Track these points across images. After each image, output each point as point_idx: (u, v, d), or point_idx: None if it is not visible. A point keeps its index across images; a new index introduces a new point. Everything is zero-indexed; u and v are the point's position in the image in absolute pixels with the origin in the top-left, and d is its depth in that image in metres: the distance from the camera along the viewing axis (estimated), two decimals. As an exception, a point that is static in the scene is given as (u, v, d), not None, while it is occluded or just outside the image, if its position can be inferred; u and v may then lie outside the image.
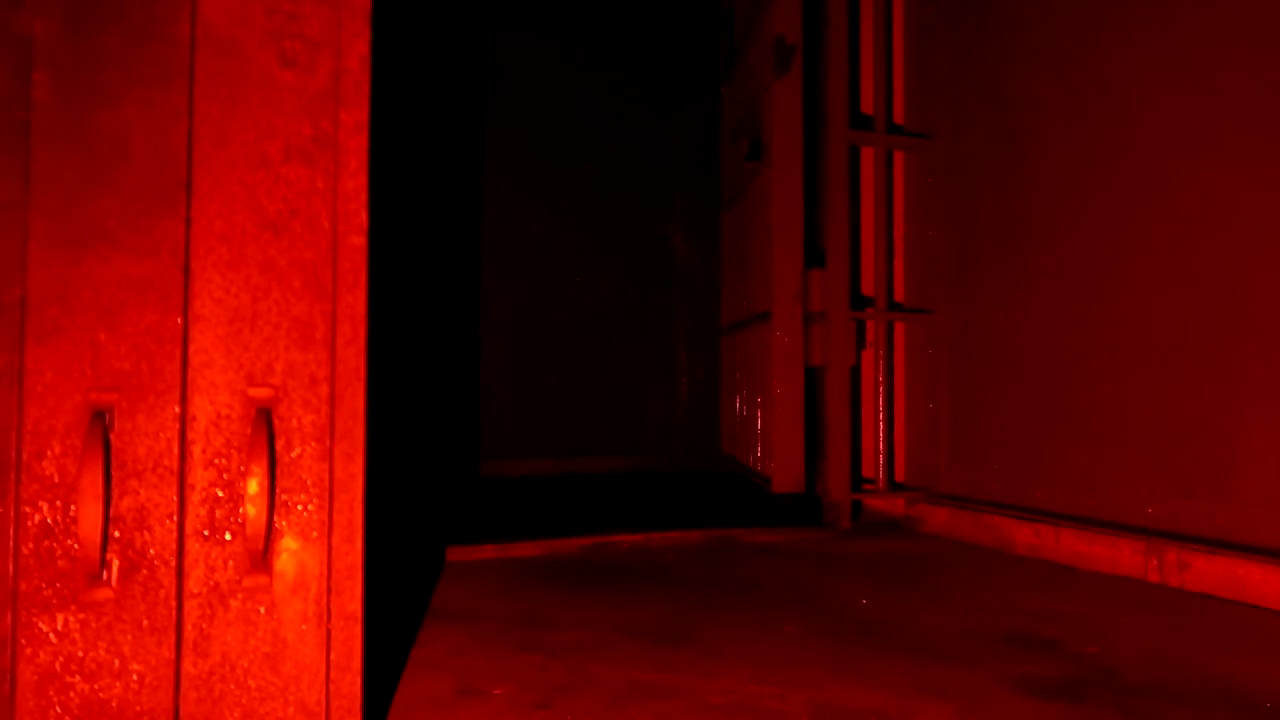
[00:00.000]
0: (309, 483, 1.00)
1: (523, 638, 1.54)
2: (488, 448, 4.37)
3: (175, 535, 0.96)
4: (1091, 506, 2.25)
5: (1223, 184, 1.94)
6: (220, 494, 0.97)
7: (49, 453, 0.92)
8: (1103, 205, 2.24)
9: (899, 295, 3.00)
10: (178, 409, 0.96)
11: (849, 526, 2.72)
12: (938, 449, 2.84)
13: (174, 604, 0.95)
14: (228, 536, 0.97)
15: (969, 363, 2.73)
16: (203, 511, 0.97)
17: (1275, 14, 1.83)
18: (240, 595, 0.97)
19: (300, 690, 0.99)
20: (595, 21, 4.67)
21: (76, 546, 0.92)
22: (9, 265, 0.92)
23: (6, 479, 0.91)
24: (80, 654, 0.92)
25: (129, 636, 0.93)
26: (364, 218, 1.04)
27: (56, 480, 0.92)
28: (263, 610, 0.98)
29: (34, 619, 0.91)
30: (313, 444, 1.00)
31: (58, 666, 0.91)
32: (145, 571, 0.94)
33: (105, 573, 0.93)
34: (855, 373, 2.87)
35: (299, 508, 0.99)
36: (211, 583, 0.97)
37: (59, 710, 0.91)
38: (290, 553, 0.99)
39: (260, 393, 0.99)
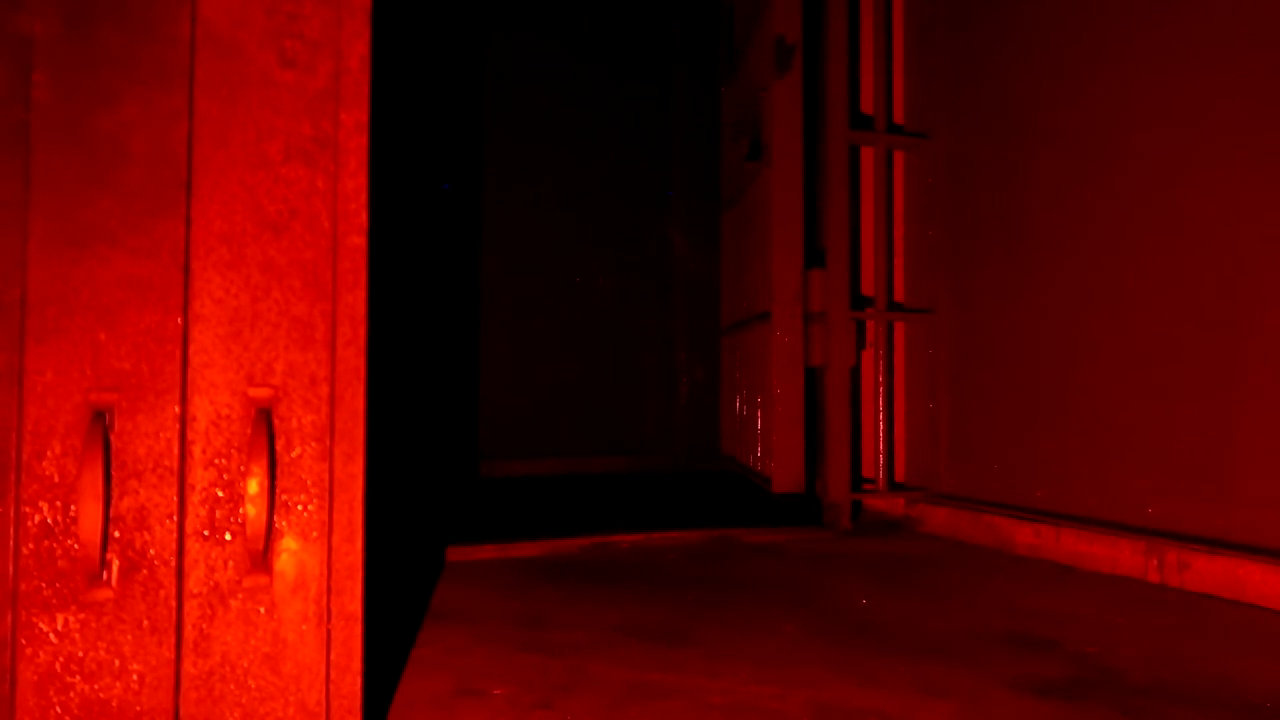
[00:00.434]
0: (309, 483, 1.00)
1: (523, 638, 1.54)
2: (488, 448, 4.37)
3: (175, 535, 0.96)
4: (1091, 506, 2.25)
5: (1223, 184, 1.94)
6: (220, 494, 0.97)
7: (49, 453, 0.92)
8: (1102, 205, 2.24)
9: (899, 295, 3.00)
10: (178, 409, 0.96)
11: (849, 526, 2.72)
12: (938, 449, 2.84)
13: (174, 604, 0.95)
14: (228, 536, 0.97)
15: (969, 363, 2.73)
16: (203, 511, 0.97)
17: (1275, 15, 1.83)
18: (240, 595, 0.97)
19: (300, 690, 0.99)
20: (595, 21, 4.67)
21: (76, 546, 0.92)
22: (9, 265, 0.92)
23: (6, 479, 0.91)
24: (80, 654, 0.92)
25: (129, 636, 0.93)
26: (364, 218, 1.04)
27: (56, 480, 0.92)
28: (263, 610, 0.98)
29: (34, 619, 0.91)
30: (313, 444, 1.00)
31: (58, 666, 0.91)
32: (145, 571, 0.94)
33: (105, 573, 0.93)
34: (855, 373, 2.86)
35: (299, 508, 0.99)
36: (211, 583, 0.97)
37: (59, 710, 0.91)
38: (290, 553, 0.99)
39: (260, 393, 0.99)
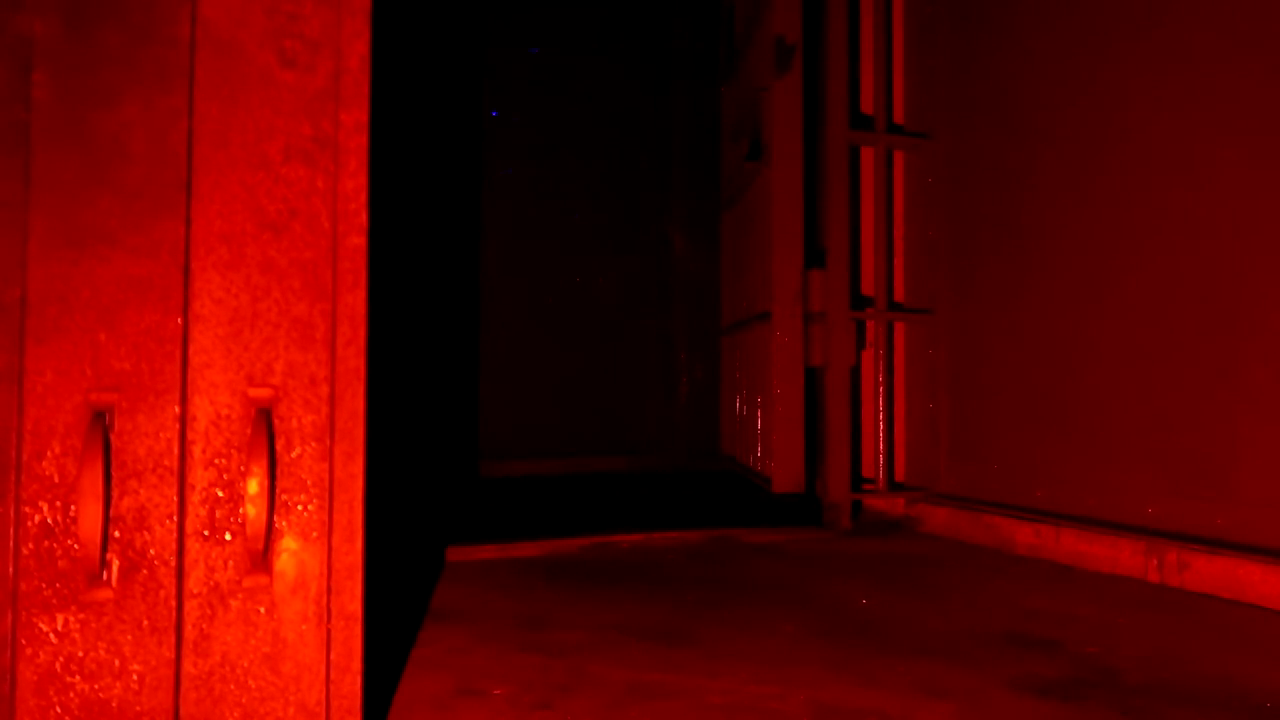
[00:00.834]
0: (309, 483, 1.00)
1: (523, 638, 1.54)
2: (488, 448, 4.37)
3: (175, 535, 0.96)
4: (1091, 506, 2.25)
5: (1223, 183, 1.94)
6: (220, 494, 0.97)
7: (49, 453, 0.92)
8: (1102, 204, 2.24)
9: (899, 295, 3.00)
10: (178, 409, 0.96)
11: (849, 526, 2.72)
12: (938, 449, 2.84)
13: (174, 604, 0.95)
14: (228, 536, 0.97)
15: (969, 363, 2.73)
16: (203, 511, 0.97)
17: (1274, 16, 1.83)
18: (240, 595, 0.97)
19: (300, 690, 0.99)
20: (595, 21, 4.67)
21: (76, 546, 0.92)
22: (9, 265, 0.92)
23: (6, 479, 0.91)
24: (80, 654, 0.92)
25: (129, 636, 0.93)
26: (364, 218, 1.04)
27: (56, 480, 0.92)
28: (263, 610, 0.98)
29: (34, 619, 0.91)
30: (313, 444, 1.00)
31: (58, 666, 0.91)
32: (145, 571, 0.94)
33: (105, 573, 0.93)
34: (855, 373, 2.86)
35: (299, 508, 0.99)
36: (211, 583, 0.97)
37: (59, 710, 0.91)
38: (290, 553, 0.99)
39: (260, 393, 0.99)
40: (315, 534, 1.00)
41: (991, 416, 2.63)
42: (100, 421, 0.93)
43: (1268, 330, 1.83)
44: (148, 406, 0.95)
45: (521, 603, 1.80)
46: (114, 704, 0.93)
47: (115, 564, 0.93)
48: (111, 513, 0.93)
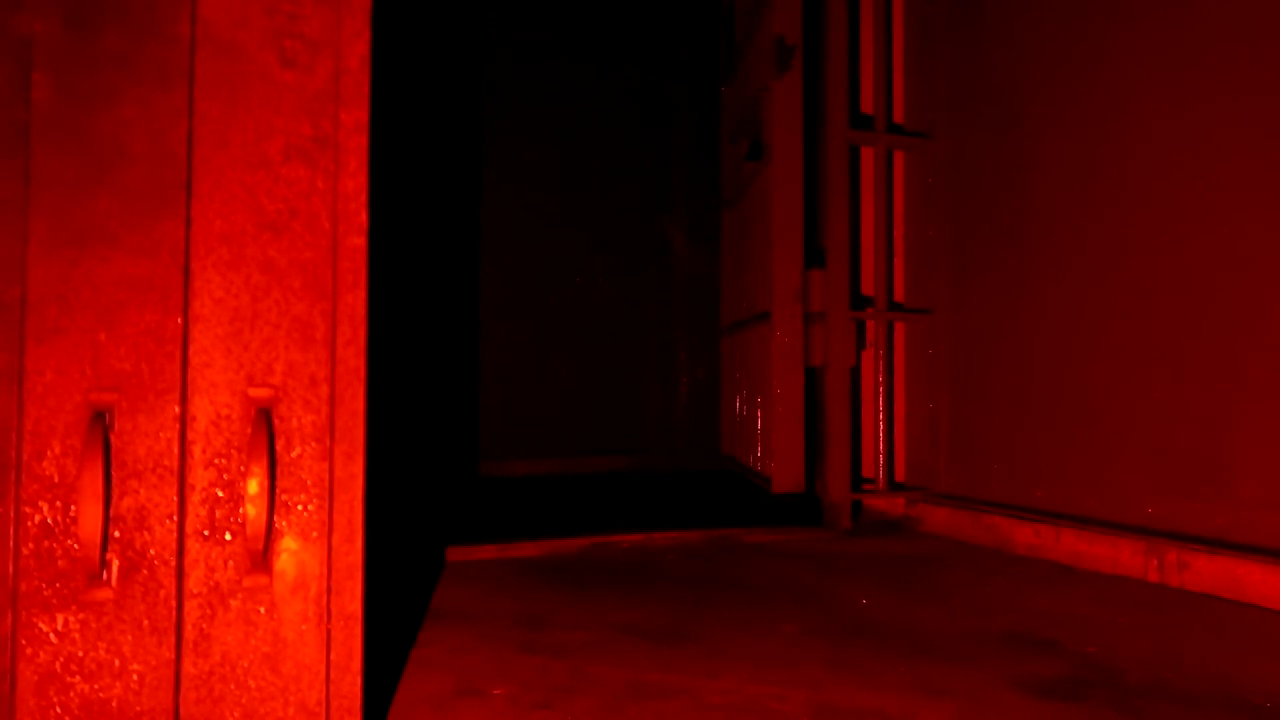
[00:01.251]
0: (309, 483, 1.00)
1: (523, 638, 1.54)
2: (488, 448, 4.37)
3: (175, 535, 0.96)
4: (1091, 506, 2.25)
5: (1222, 183, 1.94)
6: (220, 494, 0.97)
7: (49, 453, 0.92)
8: (1101, 204, 2.24)
9: (899, 295, 3.00)
10: (178, 409, 0.96)
11: (849, 526, 2.72)
12: (937, 449, 2.84)
13: (174, 604, 0.95)
14: (228, 536, 0.97)
15: (969, 362, 2.73)
16: (203, 511, 0.97)
17: (1272, 16, 1.83)
18: (240, 595, 0.97)
19: (300, 690, 0.99)
20: (595, 21, 4.67)
21: (76, 546, 0.92)
22: (9, 265, 0.92)
23: (6, 479, 0.91)
24: (80, 654, 0.92)
25: (129, 636, 0.93)
26: (364, 218, 1.04)
27: (56, 480, 0.92)
28: (263, 610, 0.98)
29: (34, 619, 0.91)
30: (313, 444, 1.00)
31: (58, 666, 0.91)
32: (145, 571, 0.94)
33: (105, 573, 0.93)
34: (855, 373, 2.86)
35: (299, 508, 0.99)
36: (211, 583, 0.97)
37: (59, 710, 0.91)
38: (290, 553, 0.99)
39: (260, 393, 0.99)
40: (315, 534, 1.00)
41: (991, 416, 2.63)
42: (100, 421, 0.93)
43: (1268, 330, 1.83)
44: (148, 406, 0.95)
45: (521, 603, 1.80)
46: (114, 704, 0.93)
47: (115, 564, 0.93)
48: (111, 513, 0.93)
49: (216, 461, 0.97)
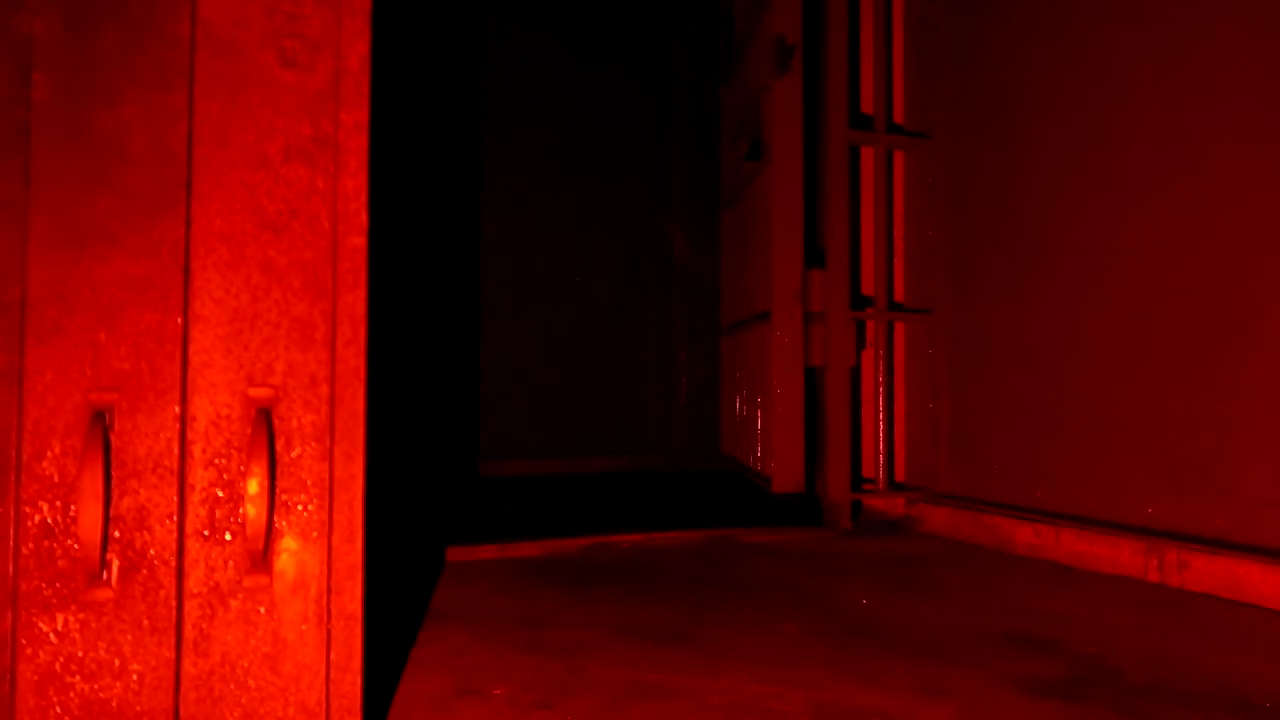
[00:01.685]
0: (309, 483, 1.00)
1: (523, 638, 1.54)
2: (487, 448, 4.37)
3: (175, 535, 0.96)
4: (1091, 506, 2.25)
5: (1221, 182, 1.94)
6: (220, 494, 0.97)
7: (49, 453, 0.92)
8: (1101, 205, 2.24)
9: (899, 295, 3.00)
10: (178, 409, 0.96)
11: (849, 526, 2.72)
12: (938, 449, 2.84)
13: (174, 604, 0.95)
14: (228, 536, 0.97)
15: (969, 362, 2.73)
16: (203, 511, 0.97)
17: (1271, 16, 1.83)
18: (240, 595, 0.97)
19: (300, 690, 0.99)
20: (595, 21, 4.67)
21: (76, 546, 0.92)
22: (9, 265, 0.92)
23: (6, 479, 0.91)
24: (80, 654, 0.92)
25: (129, 636, 0.93)
26: (364, 218, 1.04)
27: (56, 480, 0.92)
28: (263, 610, 0.98)
29: (34, 619, 0.91)
30: (313, 444, 1.00)
31: (58, 666, 0.91)
32: (145, 571, 0.94)
33: (105, 573, 0.93)
34: (855, 373, 2.86)
35: (299, 508, 0.99)
36: (211, 583, 0.97)
37: (59, 710, 0.91)
38: (290, 553, 0.99)
39: (260, 393, 0.99)
40: (315, 534, 1.00)
41: (991, 416, 2.63)
42: (100, 421, 0.93)
43: (1268, 330, 1.83)
44: (148, 406, 0.95)
45: (521, 603, 1.80)
46: (114, 704, 0.93)
47: (115, 564, 0.93)
48: (111, 513, 0.93)
49: (216, 461, 0.97)
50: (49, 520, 0.92)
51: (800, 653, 1.46)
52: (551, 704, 1.22)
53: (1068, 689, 1.29)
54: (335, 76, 1.03)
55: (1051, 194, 2.41)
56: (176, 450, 0.96)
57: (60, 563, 0.92)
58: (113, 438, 0.94)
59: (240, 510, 0.98)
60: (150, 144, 0.97)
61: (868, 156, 2.95)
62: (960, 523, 2.62)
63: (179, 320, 0.97)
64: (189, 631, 0.95)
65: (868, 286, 2.95)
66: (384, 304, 3.47)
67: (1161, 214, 2.08)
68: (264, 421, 0.98)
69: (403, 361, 4.04)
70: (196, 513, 0.96)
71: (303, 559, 0.99)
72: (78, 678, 0.92)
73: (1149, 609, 1.78)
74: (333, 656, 1.00)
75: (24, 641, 0.91)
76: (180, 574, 0.96)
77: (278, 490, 0.99)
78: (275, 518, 0.98)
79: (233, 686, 0.97)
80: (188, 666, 0.95)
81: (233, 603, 0.97)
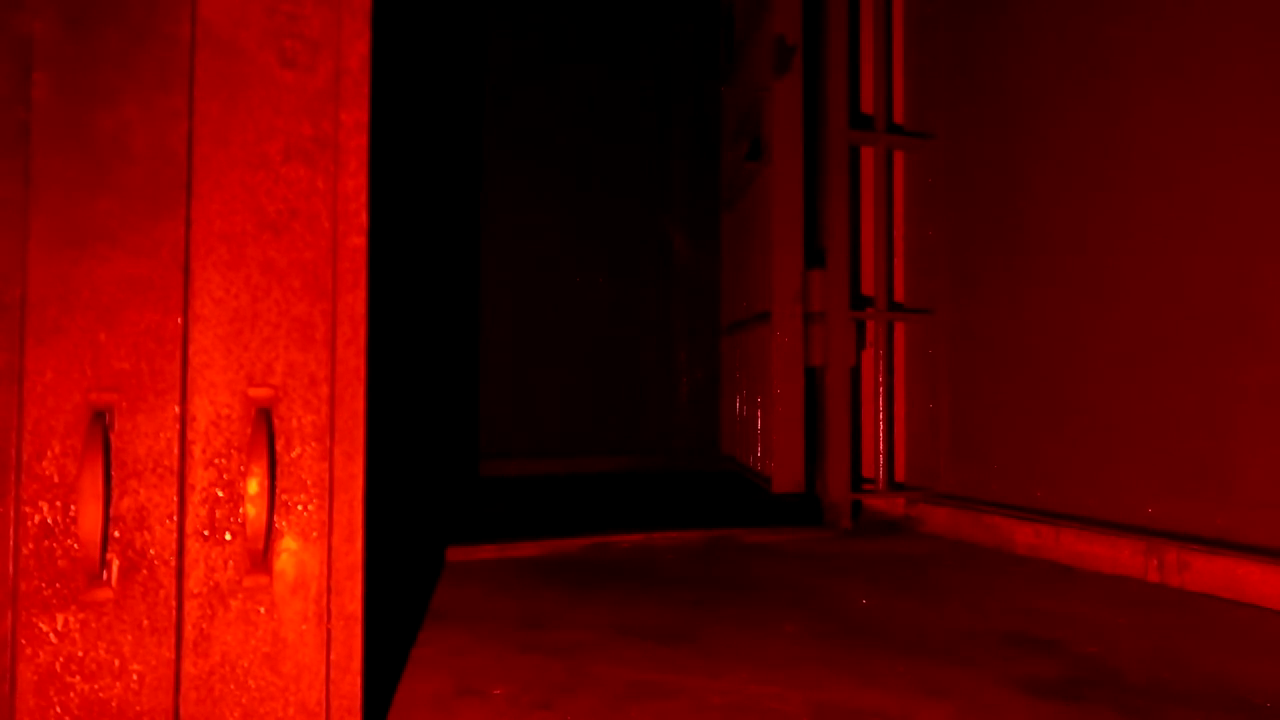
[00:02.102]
0: (309, 483, 1.00)
1: (523, 638, 1.54)
2: (487, 448, 4.37)
3: (175, 535, 0.96)
4: (1091, 506, 2.25)
5: (1221, 183, 1.94)
6: (220, 494, 0.97)
7: (49, 453, 0.92)
8: (1101, 205, 2.24)
9: (899, 295, 3.00)
10: (178, 409, 0.96)
11: (849, 526, 2.72)
12: (938, 449, 2.84)
13: (174, 604, 0.95)
14: (228, 536, 0.97)
15: (969, 363, 2.73)
16: (203, 511, 0.97)
17: (1270, 19, 1.83)
18: (240, 595, 0.97)
19: (300, 690, 0.99)
20: (595, 22, 4.67)
21: (76, 546, 0.92)
22: (9, 265, 0.92)
23: (6, 479, 0.91)
24: (80, 654, 0.92)
25: (129, 636, 0.93)
26: (364, 218, 1.04)
27: (56, 480, 0.92)
28: (263, 610, 0.98)
29: (34, 619, 0.91)
30: (313, 444, 1.00)
31: (58, 666, 0.91)
32: (145, 571, 0.94)
33: (105, 573, 0.93)
34: (855, 373, 2.86)
35: (299, 508, 0.99)
36: (211, 583, 0.97)
37: (59, 710, 0.91)
38: (290, 553, 0.99)
39: (260, 393, 0.99)
40: (315, 534, 1.00)
41: (991, 416, 2.63)
42: (100, 421, 0.93)
43: (1268, 329, 1.83)
44: (148, 406, 0.95)
45: (521, 603, 1.80)
46: (114, 704, 0.93)
47: (115, 564, 0.93)
48: (111, 513, 0.93)
49: (216, 461, 0.97)
50: (49, 520, 0.92)
51: (800, 653, 1.46)
52: (551, 704, 1.22)
53: (1068, 689, 1.29)
54: (335, 76, 1.03)
55: (1052, 194, 2.41)
56: (176, 450, 0.96)
57: (60, 563, 0.92)
58: (113, 438, 0.94)
59: (240, 510, 0.98)
60: (150, 144, 0.97)
61: (868, 156, 2.95)
62: (960, 523, 2.62)
63: (179, 320, 0.97)
64: (189, 631, 0.95)
65: (868, 286, 2.95)
66: (384, 304, 3.47)
67: (1163, 214, 2.08)
68: (264, 421, 0.98)
69: (403, 362, 4.04)
70: (196, 513, 0.96)
71: (303, 559, 0.99)
72: (78, 678, 0.92)
73: (1149, 609, 1.78)
74: (333, 656, 1.00)
75: (24, 641, 0.91)
76: (180, 574, 0.96)
77: (278, 490, 0.99)
78: (275, 518, 0.98)
79: (233, 686, 0.97)
80: (188, 666, 0.95)
81: (233, 603, 0.97)
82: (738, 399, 3.52)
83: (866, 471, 2.94)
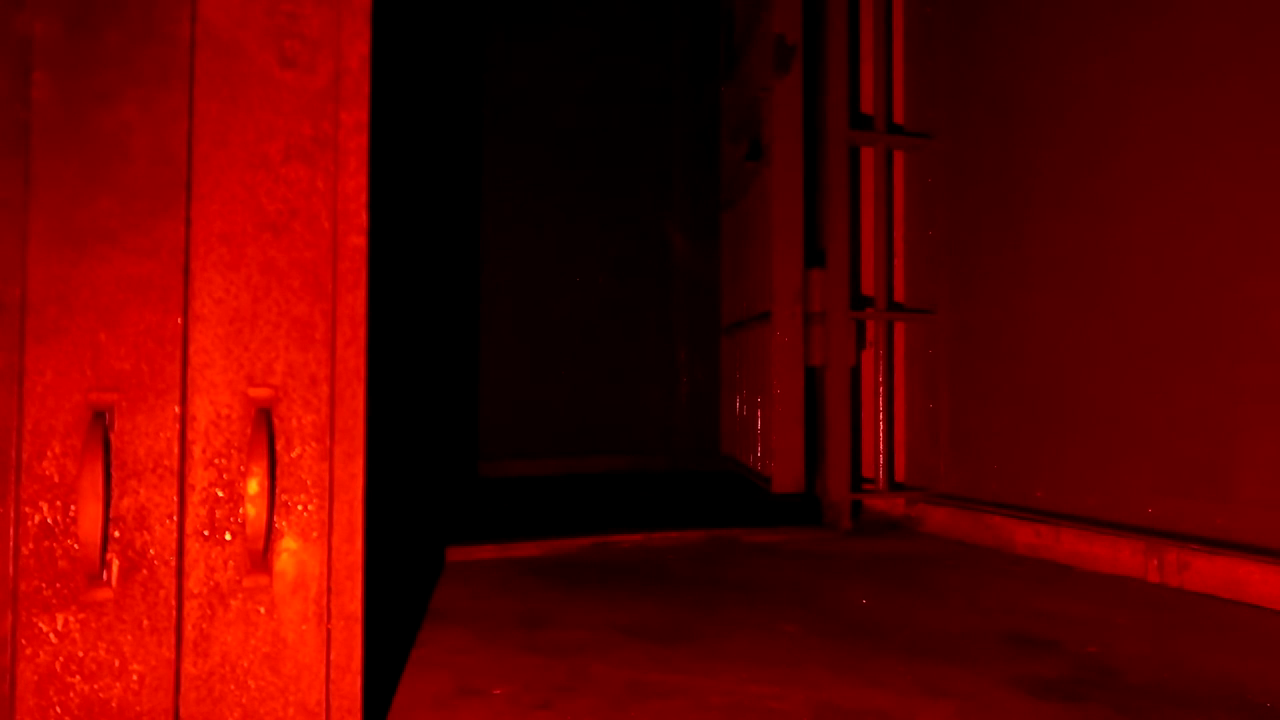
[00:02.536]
0: (309, 483, 1.00)
1: (523, 638, 1.54)
2: (487, 448, 4.37)
3: (175, 535, 0.96)
4: (1091, 506, 2.25)
5: (1223, 183, 1.94)
6: (220, 494, 0.97)
7: (49, 453, 0.92)
8: (1101, 205, 2.24)
9: (899, 295, 3.00)
10: (178, 409, 0.96)
11: (849, 526, 2.72)
12: (937, 449, 2.84)
13: (174, 604, 0.95)
14: (228, 536, 0.97)
15: (969, 363, 2.73)
16: (203, 511, 0.97)
17: (1268, 19, 1.83)
18: (240, 595, 0.97)
19: (300, 690, 0.99)
20: (595, 22, 4.67)
21: (76, 546, 0.92)
22: (9, 265, 0.92)
23: (6, 479, 0.91)
24: (80, 654, 0.92)
25: (129, 636, 0.93)
26: (364, 218, 1.04)
27: (56, 480, 0.92)
28: (263, 610, 0.98)
29: (34, 619, 0.91)
30: (313, 444, 1.00)
31: (58, 666, 0.91)
32: (145, 571, 0.94)
33: (105, 573, 0.93)
34: (855, 373, 2.86)
35: (299, 508, 0.99)
36: (211, 583, 0.97)
37: (59, 710, 0.91)
38: (290, 553, 0.99)
39: (260, 393, 0.99)
40: (315, 534, 1.00)
41: (991, 416, 2.63)
42: (100, 421, 0.93)
43: (1267, 329, 1.83)
44: (148, 406, 0.95)
45: (521, 602, 1.80)
46: (114, 704, 0.93)
47: (115, 564, 0.93)
48: (111, 513, 0.93)
49: (216, 461, 0.97)
50: (49, 520, 0.92)
51: (800, 653, 1.46)
52: (552, 704, 1.22)
53: (1068, 689, 1.29)
54: (335, 76, 1.03)
55: (1052, 194, 2.41)
56: (176, 450, 0.96)
57: (60, 563, 0.92)
58: (113, 438, 0.94)
59: (240, 510, 0.97)
60: (150, 144, 0.97)
61: (868, 156, 2.95)
62: (960, 523, 2.62)
63: (179, 320, 0.97)
64: (189, 631, 0.95)
65: (868, 286, 2.95)
66: (384, 304, 3.47)
67: (1162, 214, 2.08)
68: (264, 421, 0.98)
69: (403, 362, 4.04)
70: (196, 513, 0.96)
71: (303, 559, 0.99)
72: (78, 678, 0.92)
73: (1149, 609, 1.78)
74: (333, 656, 1.00)
75: (24, 641, 0.91)
76: (180, 574, 0.96)
77: (278, 490, 0.99)
78: (275, 518, 0.98)
79: (233, 686, 0.97)
80: (188, 666, 0.95)
81: (233, 603, 0.97)
82: (738, 399, 3.52)
83: (866, 471, 2.94)
